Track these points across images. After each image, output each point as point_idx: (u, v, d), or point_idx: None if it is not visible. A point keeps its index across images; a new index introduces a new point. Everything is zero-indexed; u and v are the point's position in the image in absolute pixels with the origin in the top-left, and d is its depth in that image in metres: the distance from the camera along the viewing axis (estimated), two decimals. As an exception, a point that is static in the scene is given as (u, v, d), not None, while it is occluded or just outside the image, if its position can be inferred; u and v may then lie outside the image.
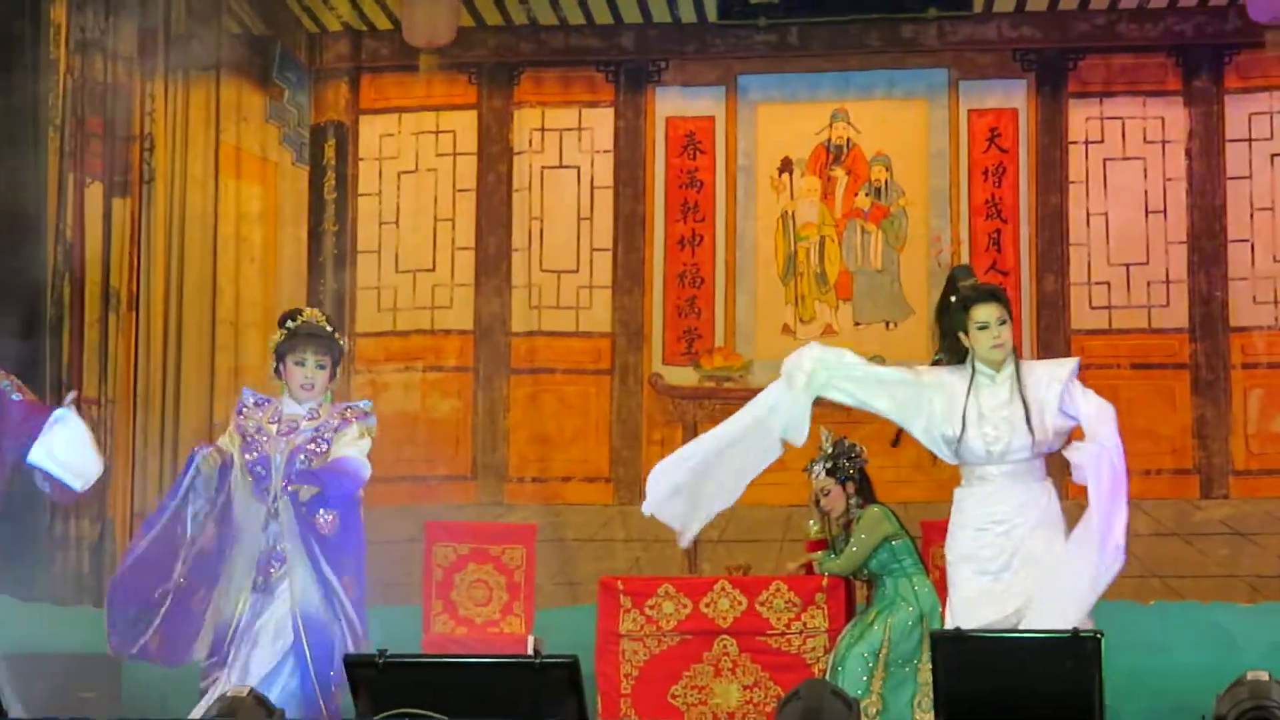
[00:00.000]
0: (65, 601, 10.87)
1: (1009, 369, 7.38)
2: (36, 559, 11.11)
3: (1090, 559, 7.02)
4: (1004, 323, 7.38)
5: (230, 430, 8.00)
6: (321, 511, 7.65)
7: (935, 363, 7.52)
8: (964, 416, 7.30)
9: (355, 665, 5.88)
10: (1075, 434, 7.34)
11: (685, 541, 7.59)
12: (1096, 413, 7.33)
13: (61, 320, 11.51)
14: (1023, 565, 7.28)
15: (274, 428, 7.99)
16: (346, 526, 7.71)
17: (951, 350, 7.46)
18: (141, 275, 11.82)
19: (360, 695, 5.87)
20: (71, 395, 7.92)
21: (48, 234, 11.45)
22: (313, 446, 7.93)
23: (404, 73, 12.84)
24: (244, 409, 8.04)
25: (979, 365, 7.38)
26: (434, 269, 12.82)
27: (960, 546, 7.45)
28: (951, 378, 7.45)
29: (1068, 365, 7.43)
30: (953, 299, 7.46)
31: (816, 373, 7.40)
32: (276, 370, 8.07)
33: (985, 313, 7.37)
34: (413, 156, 12.92)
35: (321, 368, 7.98)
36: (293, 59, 12.79)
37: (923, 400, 7.41)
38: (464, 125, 12.94)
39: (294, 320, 8.10)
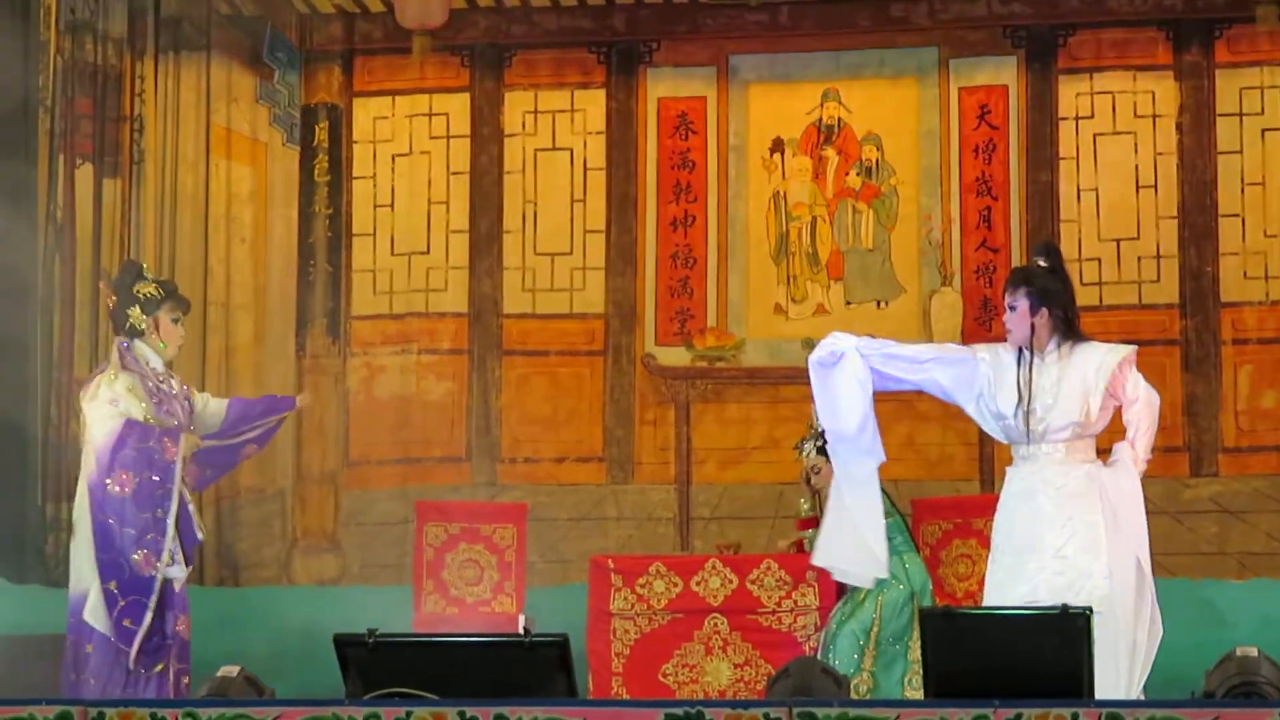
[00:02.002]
0: (59, 583, 10.87)
1: (1058, 349, 7.39)
2: (28, 541, 11.12)
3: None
4: (1012, 309, 7.41)
5: (130, 386, 7.91)
6: None
7: None
8: (1017, 391, 7.33)
9: (345, 645, 5.89)
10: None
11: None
12: (1134, 400, 7.37)
13: (52, 301, 11.52)
14: (1067, 541, 7.30)
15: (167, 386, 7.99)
16: None
17: None
18: (132, 256, 11.81)
19: (350, 675, 5.87)
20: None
21: (38, 215, 11.46)
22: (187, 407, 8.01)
23: (396, 55, 12.81)
24: (129, 363, 7.99)
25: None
26: (429, 252, 12.79)
27: (1003, 523, 7.48)
28: (1005, 354, 7.47)
29: (1122, 351, 7.43)
30: None
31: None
32: (136, 322, 7.99)
33: (1007, 296, 7.49)
34: (406, 139, 12.89)
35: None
36: (283, 40, 12.76)
37: (977, 375, 7.44)
38: (456, 108, 12.90)
39: (147, 274, 8.08)
